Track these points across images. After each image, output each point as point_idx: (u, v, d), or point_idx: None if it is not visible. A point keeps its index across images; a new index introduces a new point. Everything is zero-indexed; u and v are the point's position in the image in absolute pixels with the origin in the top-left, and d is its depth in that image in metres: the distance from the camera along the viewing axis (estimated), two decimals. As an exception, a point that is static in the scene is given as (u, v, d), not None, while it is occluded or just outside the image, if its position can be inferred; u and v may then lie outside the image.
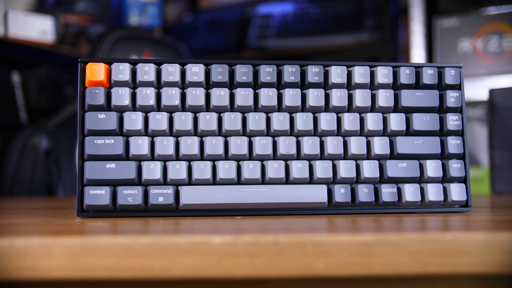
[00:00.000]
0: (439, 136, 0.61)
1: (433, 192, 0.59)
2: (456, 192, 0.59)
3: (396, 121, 0.60)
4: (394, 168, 0.59)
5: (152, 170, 0.56)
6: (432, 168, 0.59)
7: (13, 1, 1.61)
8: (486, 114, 1.45)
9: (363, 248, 0.40)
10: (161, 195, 0.56)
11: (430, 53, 1.66)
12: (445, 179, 0.60)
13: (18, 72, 1.46)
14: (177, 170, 0.57)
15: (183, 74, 0.59)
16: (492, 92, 1.02)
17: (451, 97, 0.61)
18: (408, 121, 0.60)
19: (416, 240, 0.40)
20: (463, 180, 0.60)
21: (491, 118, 1.03)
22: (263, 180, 0.58)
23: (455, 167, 0.60)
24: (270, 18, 1.92)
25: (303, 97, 0.60)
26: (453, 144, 0.60)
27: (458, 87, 0.62)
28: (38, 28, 1.52)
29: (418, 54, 1.65)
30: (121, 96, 0.57)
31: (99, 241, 0.39)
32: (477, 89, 1.52)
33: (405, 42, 1.73)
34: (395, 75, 0.61)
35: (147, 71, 0.58)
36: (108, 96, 0.57)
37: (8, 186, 1.23)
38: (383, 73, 0.60)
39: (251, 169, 0.57)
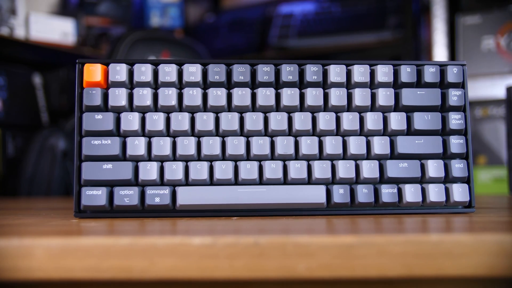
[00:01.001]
0: (441, 136, 0.59)
1: (435, 193, 0.58)
2: (459, 192, 0.58)
3: (396, 121, 0.59)
4: (394, 168, 0.58)
5: (149, 171, 0.56)
6: (434, 168, 0.58)
7: (36, 4, 1.64)
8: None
9: (346, 250, 0.39)
10: (157, 196, 0.56)
11: (452, 51, 1.64)
12: (448, 179, 0.59)
13: (40, 74, 1.48)
14: (174, 171, 0.56)
15: (181, 74, 0.59)
16: (510, 89, 1.00)
17: (454, 96, 0.59)
18: (409, 121, 0.59)
19: (400, 242, 0.39)
20: (466, 180, 0.59)
21: (509, 116, 1.00)
22: (261, 181, 0.57)
23: (458, 167, 0.59)
24: (292, 17, 1.92)
25: (302, 97, 0.59)
26: (456, 143, 0.59)
27: (462, 85, 0.60)
28: (60, 30, 1.53)
29: (440, 53, 1.62)
30: (118, 97, 0.57)
31: (79, 242, 0.39)
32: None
33: (428, 40, 1.70)
34: (396, 73, 0.60)
35: (144, 72, 0.58)
36: (106, 97, 0.58)
37: (27, 187, 1.25)
38: (383, 72, 0.59)
39: (248, 170, 0.57)
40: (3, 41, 1.41)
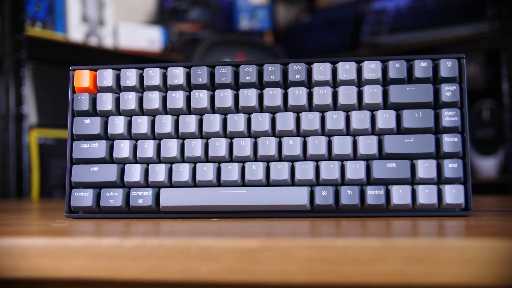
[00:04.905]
0: (434, 134, 0.56)
1: (425, 195, 0.54)
2: (451, 194, 0.54)
3: (384, 119, 0.56)
4: (381, 169, 0.55)
5: (133, 173, 0.58)
6: (424, 168, 0.55)
7: (126, 14, 1.72)
8: None
9: (248, 254, 0.38)
10: (140, 197, 0.57)
11: (554, 41, 1.51)
12: (441, 180, 0.55)
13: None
14: (157, 173, 0.58)
15: (166, 78, 0.60)
16: None
17: (447, 91, 0.56)
18: (399, 119, 0.56)
19: (305, 246, 0.38)
20: (463, 181, 0.55)
21: None
22: (244, 182, 0.57)
23: (451, 167, 0.55)
24: (384, 13, 1.86)
25: (286, 97, 0.58)
26: (449, 142, 0.55)
27: (458, 80, 0.56)
28: (146, 38, 1.60)
29: (539, 43, 1.50)
30: (105, 101, 0.59)
31: None
32: None
33: (527, 31, 1.58)
34: (385, 70, 0.57)
35: (129, 76, 0.59)
36: (94, 102, 0.60)
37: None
38: (370, 68, 0.57)
39: (229, 171, 0.57)
40: (93, 51, 1.50)
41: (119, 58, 1.54)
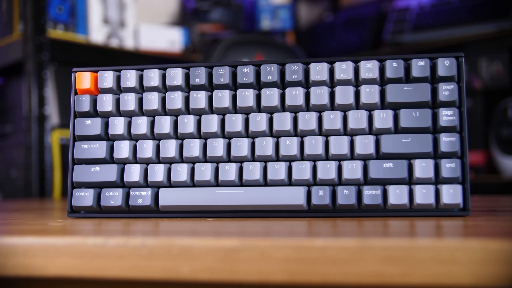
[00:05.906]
0: (432, 134, 0.55)
1: (422, 195, 0.54)
2: (449, 194, 0.54)
3: (381, 119, 0.56)
4: (378, 169, 0.55)
5: (132, 173, 0.59)
6: (421, 168, 0.54)
7: (154, 15, 1.74)
8: None
9: (228, 253, 0.38)
10: (139, 197, 0.58)
11: None
12: (438, 180, 0.54)
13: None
14: (156, 173, 0.58)
15: (165, 79, 0.60)
16: None
17: (445, 90, 0.55)
18: (396, 118, 0.56)
19: (284, 246, 0.38)
20: (461, 181, 0.54)
21: None
22: (241, 182, 0.57)
23: (448, 167, 0.54)
24: (407, 11, 1.85)
25: (283, 97, 0.58)
26: (446, 141, 0.54)
27: (457, 79, 0.55)
28: (167, 39, 1.62)
29: None
30: (105, 103, 0.60)
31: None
32: None
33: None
34: (382, 69, 0.57)
35: (129, 78, 0.60)
36: (95, 103, 0.61)
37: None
38: (367, 68, 0.56)
39: (227, 171, 0.57)
40: (114, 53, 1.51)
41: (140, 59, 1.56)
